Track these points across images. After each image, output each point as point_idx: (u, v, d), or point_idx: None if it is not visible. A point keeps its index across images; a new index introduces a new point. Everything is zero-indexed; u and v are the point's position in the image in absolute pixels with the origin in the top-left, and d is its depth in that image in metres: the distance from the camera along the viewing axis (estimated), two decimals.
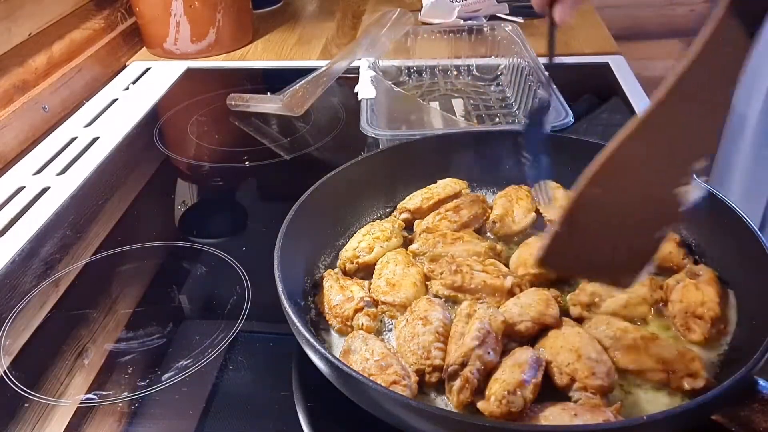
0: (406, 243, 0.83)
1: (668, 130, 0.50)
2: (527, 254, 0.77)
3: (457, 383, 0.61)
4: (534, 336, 0.67)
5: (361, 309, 0.70)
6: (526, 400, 0.58)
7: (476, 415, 0.60)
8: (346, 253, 0.80)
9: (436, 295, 0.74)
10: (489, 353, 0.62)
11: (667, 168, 0.52)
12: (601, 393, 0.60)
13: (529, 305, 0.69)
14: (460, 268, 0.73)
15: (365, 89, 1.13)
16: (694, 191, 0.52)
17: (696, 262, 0.77)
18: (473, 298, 0.71)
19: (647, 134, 0.50)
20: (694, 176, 0.52)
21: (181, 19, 1.43)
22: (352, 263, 0.78)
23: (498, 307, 0.69)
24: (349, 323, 0.70)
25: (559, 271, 0.64)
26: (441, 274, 0.74)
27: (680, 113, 0.50)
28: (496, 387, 0.59)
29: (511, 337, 0.67)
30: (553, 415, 0.58)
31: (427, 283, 0.76)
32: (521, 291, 0.72)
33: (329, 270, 0.77)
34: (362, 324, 0.69)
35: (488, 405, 0.59)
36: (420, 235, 0.82)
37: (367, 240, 0.79)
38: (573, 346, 0.63)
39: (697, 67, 0.48)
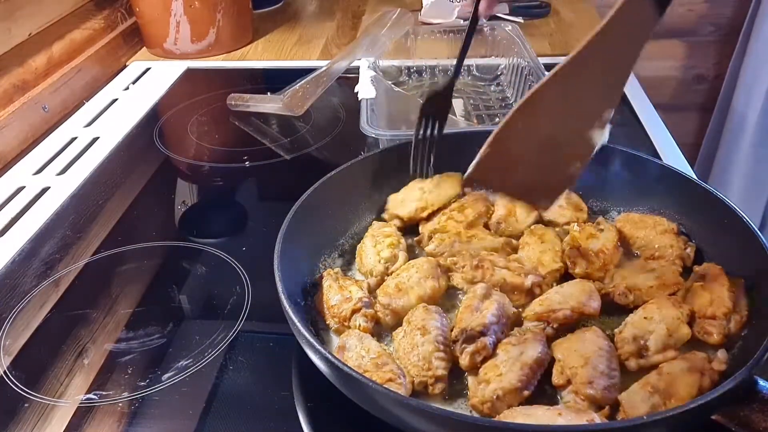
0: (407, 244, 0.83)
1: (580, 82, 0.59)
2: (539, 253, 0.77)
3: (474, 347, 0.63)
4: (571, 325, 0.68)
5: (359, 310, 0.70)
6: (510, 406, 0.60)
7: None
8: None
9: (455, 287, 0.75)
10: (502, 333, 0.67)
11: (579, 112, 0.60)
12: (590, 402, 0.60)
13: (570, 294, 0.70)
14: (482, 264, 0.73)
15: (365, 89, 1.13)
16: (601, 136, 0.60)
17: (698, 251, 0.78)
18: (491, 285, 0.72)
19: (563, 83, 0.59)
20: (603, 124, 0.60)
21: (181, 19, 1.43)
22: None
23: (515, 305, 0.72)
24: (346, 323, 0.70)
25: (485, 187, 0.70)
26: (463, 267, 0.74)
27: (590, 69, 0.58)
28: (490, 387, 0.60)
29: (549, 323, 0.68)
30: (537, 413, 0.58)
31: (449, 274, 0.76)
32: (541, 291, 0.72)
33: (329, 270, 0.77)
34: (359, 325, 0.69)
35: (474, 395, 0.61)
36: (429, 236, 0.82)
37: (384, 252, 0.78)
38: (586, 353, 0.63)
39: (608, 33, 0.56)
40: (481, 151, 0.66)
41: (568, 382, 0.62)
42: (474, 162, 0.67)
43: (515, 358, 0.63)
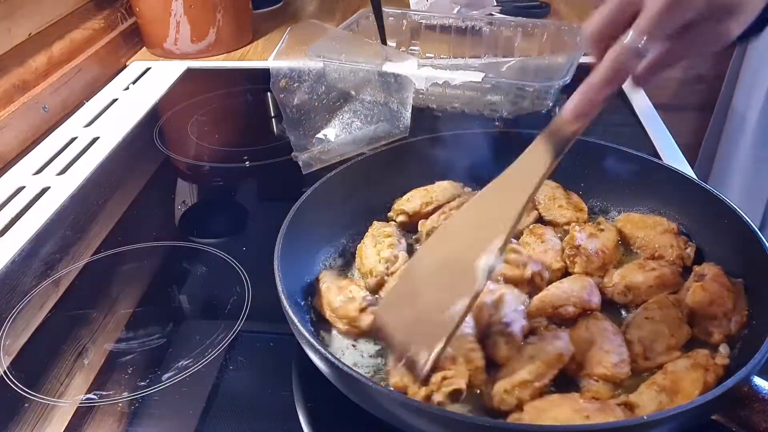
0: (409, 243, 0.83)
1: (480, 212, 0.64)
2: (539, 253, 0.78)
3: (504, 338, 0.65)
4: (575, 320, 0.69)
5: (365, 308, 0.70)
6: (522, 401, 0.59)
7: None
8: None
9: None
10: (525, 320, 0.68)
11: (473, 241, 0.62)
12: (605, 380, 0.61)
13: (572, 290, 0.70)
14: None
15: None
16: (487, 266, 0.60)
17: (698, 251, 0.78)
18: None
19: (468, 213, 0.66)
20: (492, 252, 0.60)
21: (181, 19, 1.43)
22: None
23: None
24: (355, 324, 0.70)
25: (384, 331, 0.66)
26: None
27: (492, 201, 0.64)
28: (501, 384, 0.60)
29: (552, 320, 0.69)
30: (563, 416, 0.57)
31: None
32: (542, 279, 0.73)
33: (323, 272, 0.77)
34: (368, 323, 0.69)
35: (491, 391, 0.61)
36: (427, 234, 0.82)
37: (384, 252, 0.78)
38: (591, 337, 0.65)
39: (513, 172, 0.63)
40: (391, 287, 0.70)
41: (580, 367, 0.62)
42: (384, 298, 0.71)
43: (529, 355, 0.63)
